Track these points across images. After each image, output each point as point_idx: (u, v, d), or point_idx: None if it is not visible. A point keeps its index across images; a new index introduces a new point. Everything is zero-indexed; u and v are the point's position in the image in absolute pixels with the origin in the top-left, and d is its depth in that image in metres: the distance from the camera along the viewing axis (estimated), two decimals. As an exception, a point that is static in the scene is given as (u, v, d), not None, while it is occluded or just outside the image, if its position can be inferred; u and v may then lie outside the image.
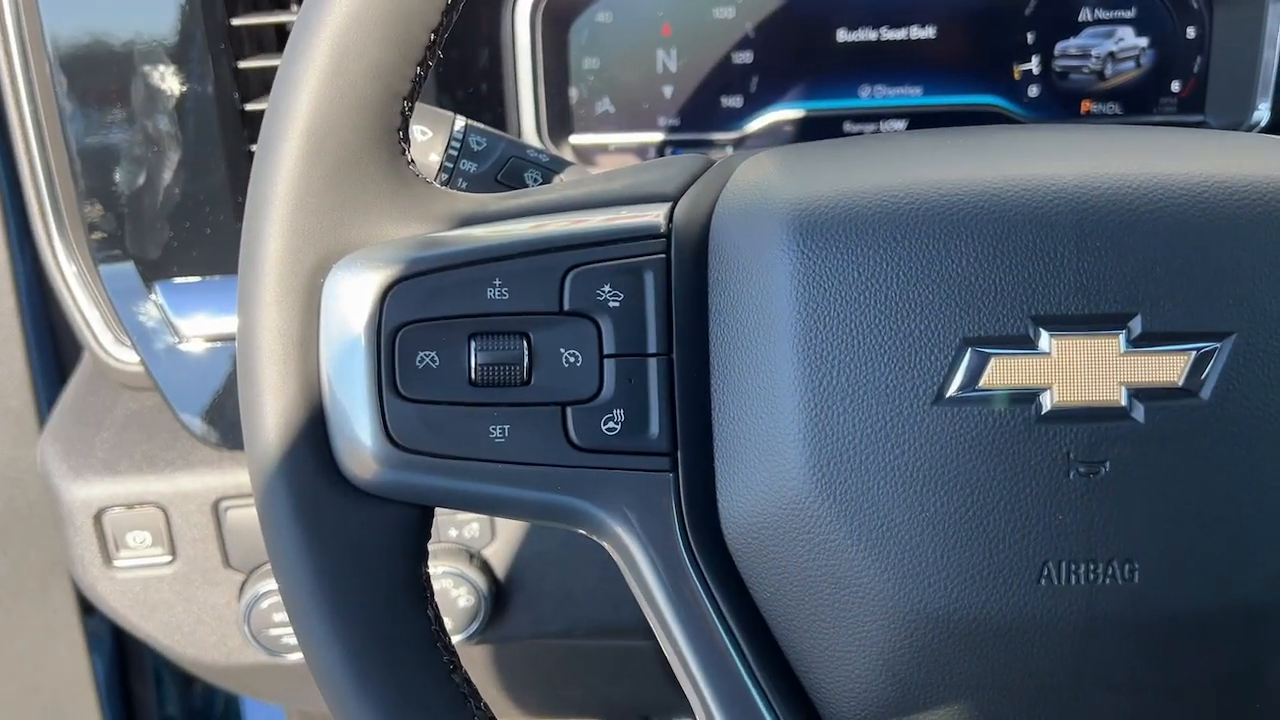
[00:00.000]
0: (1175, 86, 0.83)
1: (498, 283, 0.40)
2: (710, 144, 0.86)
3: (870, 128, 0.85)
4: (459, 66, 0.80)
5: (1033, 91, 0.84)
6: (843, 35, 0.83)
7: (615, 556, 0.42)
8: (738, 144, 0.86)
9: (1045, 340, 0.38)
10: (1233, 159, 0.40)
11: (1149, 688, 0.39)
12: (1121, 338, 0.38)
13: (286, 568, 0.40)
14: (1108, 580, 0.38)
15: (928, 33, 0.83)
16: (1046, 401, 0.38)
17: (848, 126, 0.86)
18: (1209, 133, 0.46)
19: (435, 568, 0.74)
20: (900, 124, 0.85)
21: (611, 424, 0.40)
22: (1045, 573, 0.38)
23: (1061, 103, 0.84)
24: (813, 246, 0.39)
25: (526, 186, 0.58)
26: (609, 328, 0.40)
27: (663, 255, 0.41)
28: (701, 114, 0.86)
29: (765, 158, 0.46)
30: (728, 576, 0.41)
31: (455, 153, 0.56)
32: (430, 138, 0.56)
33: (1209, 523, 0.38)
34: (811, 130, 0.85)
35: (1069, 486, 0.38)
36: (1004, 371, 0.38)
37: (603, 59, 0.85)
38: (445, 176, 0.56)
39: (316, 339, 0.39)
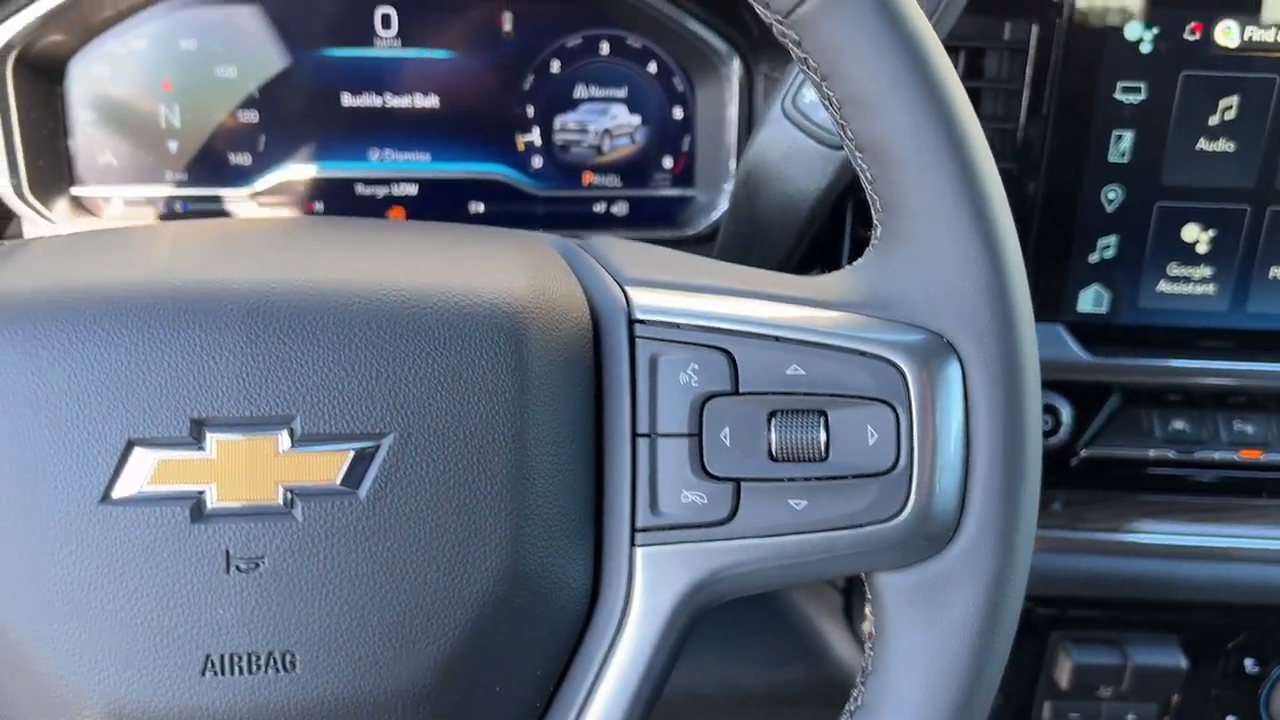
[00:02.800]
0: (667, 163, 0.89)
1: None
2: (220, 199, 0.86)
3: (382, 191, 0.87)
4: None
5: (537, 163, 0.88)
6: (348, 100, 0.85)
7: None
8: (252, 198, 0.86)
9: (209, 440, 0.39)
10: (423, 267, 0.44)
11: None
12: (282, 438, 0.40)
13: None
14: (269, 671, 0.40)
15: (431, 102, 0.86)
16: (209, 501, 0.39)
17: (360, 189, 0.87)
18: (451, 234, 0.49)
19: None
20: (411, 189, 0.87)
21: None
22: (208, 665, 0.39)
23: (564, 174, 0.89)
24: None
25: None
26: None
27: None
28: (209, 170, 0.85)
29: (27, 246, 0.46)
30: None
31: None
32: None
33: (368, 613, 0.40)
34: (324, 190, 0.87)
35: (229, 582, 0.39)
36: (168, 472, 0.39)
37: (101, 112, 0.83)
38: None
39: None
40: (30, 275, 0.42)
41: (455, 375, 0.41)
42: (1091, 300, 0.77)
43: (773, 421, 0.43)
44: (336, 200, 0.87)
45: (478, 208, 0.89)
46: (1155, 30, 0.71)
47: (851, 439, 0.42)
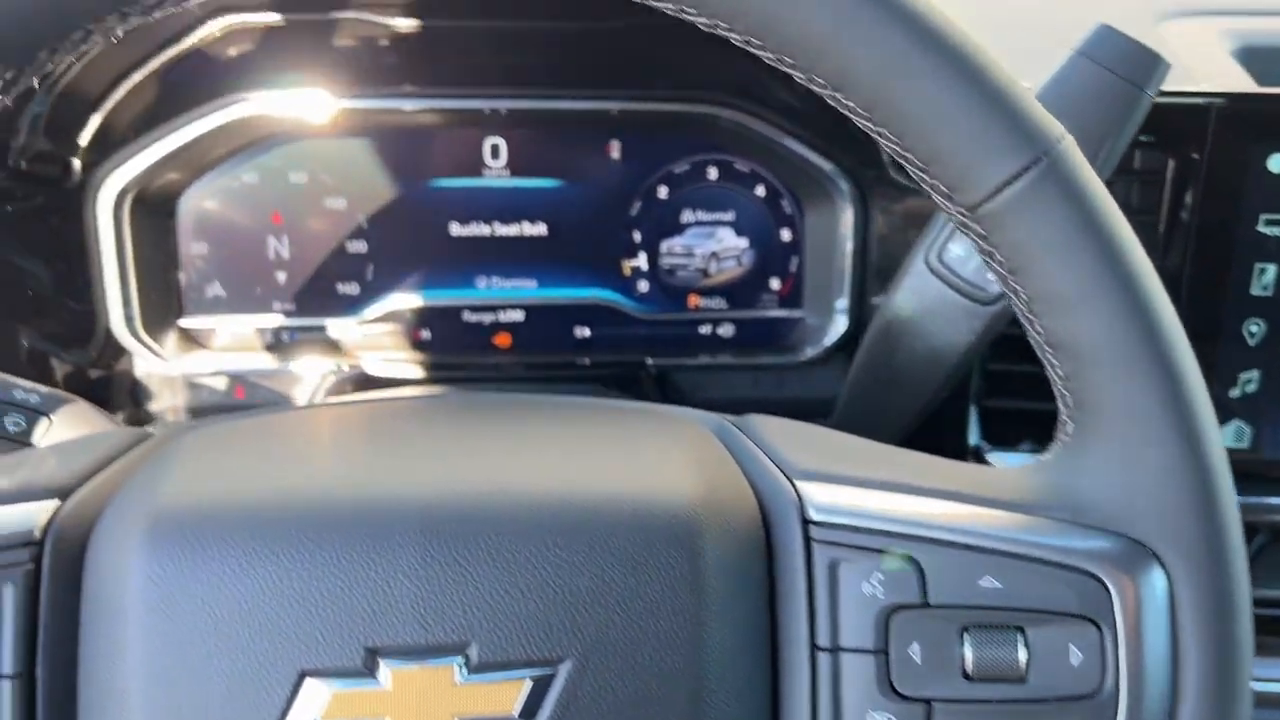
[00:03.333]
0: (775, 284, 0.88)
1: None
2: (326, 329, 0.85)
3: (489, 317, 0.86)
4: (47, 254, 0.77)
5: (643, 287, 0.87)
6: (456, 229, 0.84)
7: None
8: (360, 327, 0.85)
9: (383, 671, 0.38)
10: (589, 467, 0.42)
11: None
12: (458, 667, 0.38)
13: None
14: None
15: (539, 229, 0.85)
16: (383, 733, 0.38)
17: (467, 316, 0.86)
18: (608, 420, 0.48)
19: None
20: (518, 315, 0.87)
21: None
22: None
23: (670, 297, 0.88)
24: (162, 561, 0.38)
25: (6, 432, 0.55)
26: None
27: (31, 565, 0.39)
28: (317, 299, 0.85)
29: (184, 441, 0.45)
30: None
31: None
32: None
33: None
34: (431, 317, 0.86)
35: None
36: (343, 704, 0.37)
37: (211, 244, 0.83)
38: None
39: None
40: (192, 481, 0.41)
41: (632, 594, 0.39)
42: (1232, 436, 0.73)
43: (966, 638, 0.40)
44: (443, 328, 0.86)
45: (583, 333, 0.87)
46: (1301, 162, 0.68)
47: (1053, 659, 0.40)
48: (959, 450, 0.78)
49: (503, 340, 0.87)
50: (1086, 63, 0.54)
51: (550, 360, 0.86)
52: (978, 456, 0.76)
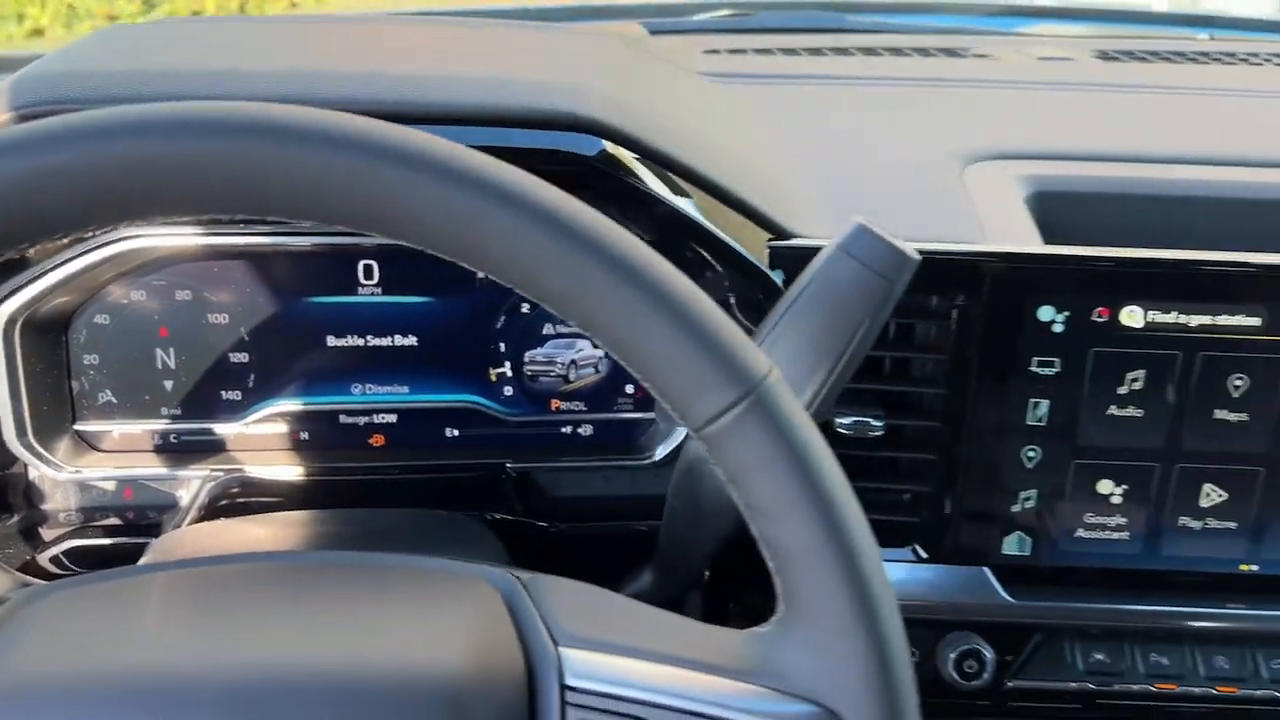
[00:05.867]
0: (629, 389, 0.96)
1: None
2: (211, 431, 0.92)
3: (363, 420, 0.94)
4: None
5: (508, 391, 0.95)
6: (333, 340, 0.92)
7: None
8: (244, 429, 0.92)
9: None
10: (363, 633, 0.49)
11: None
12: None
13: None
14: None
15: (410, 340, 0.92)
16: None
17: (343, 419, 0.94)
18: (400, 577, 0.55)
19: None
20: (391, 418, 0.94)
21: None
22: None
23: (533, 401, 0.96)
24: None
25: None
26: None
27: None
28: (202, 405, 0.92)
29: (34, 611, 0.51)
30: None
31: None
32: None
33: None
34: (310, 420, 0.93)
35: None
36: None
37: (102, 356, 0.90)
38: None
39: None
40: (29, 657, 0.47)
41: None
42: (1015, 545, 0.83)
43: None
44: (321, 430, 0.93)
45: (453, 433, 0.95)
46: (1066, 314, 0.78)
47: None
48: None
49: (377, 440, 0.95)
50: (844, 257, 0.62)
51: (421, 460, 0.94)
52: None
